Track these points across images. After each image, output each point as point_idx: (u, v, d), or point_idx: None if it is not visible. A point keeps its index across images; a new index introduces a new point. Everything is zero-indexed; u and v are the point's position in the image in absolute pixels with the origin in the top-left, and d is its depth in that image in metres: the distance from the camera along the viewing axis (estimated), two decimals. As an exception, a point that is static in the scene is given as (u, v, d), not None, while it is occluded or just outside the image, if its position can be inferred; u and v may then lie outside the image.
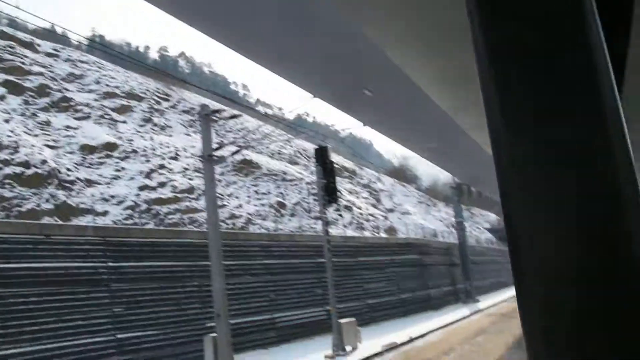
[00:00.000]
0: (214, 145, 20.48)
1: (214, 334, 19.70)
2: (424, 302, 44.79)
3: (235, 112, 30.37)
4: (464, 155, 20.42)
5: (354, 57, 10.22)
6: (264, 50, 10.77)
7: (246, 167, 55.54)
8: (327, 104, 16.39)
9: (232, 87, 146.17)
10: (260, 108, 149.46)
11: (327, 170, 25.11)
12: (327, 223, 25.25)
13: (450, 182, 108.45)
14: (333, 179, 25.12)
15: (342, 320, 25.48)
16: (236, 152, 23.23)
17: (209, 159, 19.91)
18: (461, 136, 15.66)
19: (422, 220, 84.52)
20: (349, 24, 9.57)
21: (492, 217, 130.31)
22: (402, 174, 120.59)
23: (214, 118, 20.49)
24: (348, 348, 25.07)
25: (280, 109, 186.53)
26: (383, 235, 57.50)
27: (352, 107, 14.66)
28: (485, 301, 50.75)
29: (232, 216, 45.42)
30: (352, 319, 26.65)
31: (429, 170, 73.31)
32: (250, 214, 46.67)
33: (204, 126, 20.24)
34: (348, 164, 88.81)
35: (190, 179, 47.33)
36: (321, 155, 25.19)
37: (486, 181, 28.87)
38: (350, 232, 51.46)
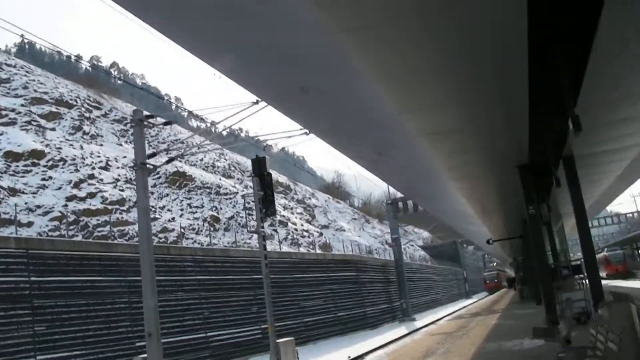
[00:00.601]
0: (148, 152, 19.05)
1: (144, 355, 18.24)
2: (361, 320, 43.93)
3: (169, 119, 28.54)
4: (405, 165, 19.58)
5: (295, 49, 9.21)
6: (199, 42, 9.60)
7: (179, 180, 53.88)
8: (267, 110, 15.33)
9: (165, 99, 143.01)
10: (192, 122, 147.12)
11: (264, 182, 23.93)
12: (264, 237, 24.05)
13: (383, 199, 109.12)
14: (271, 191, 23.96)
15: (280, 340, 24.24)
16: (171, 160, 21.77)
17: (141, 166, 18.51)
18: (406, 142, 14.93)
19: (357, 237, 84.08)
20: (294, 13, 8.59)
21: (426, 234, 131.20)
22: (335, 191, 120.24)
23: (148, 123, 19.09)
24: (286, 369, 23.86)
25: (213, 122, 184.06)
26: (319, 251, 56.45)
27: (295, 110, 13.61)
28: (422, 319, 50.18)
29: (165, 229, 43.70)
30: (290, 339, 25.39)
31: (362, 188, 72.82)
32: (183, 228, 44.95)
33: (136, 131, 18.83)
34: (282, 178, 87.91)
35: (121, 190, 45.40)
36: (259, 166, 23.99)
37: (424, 194, 28.11)
38: (285, 248, 50.30)
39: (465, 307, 64.45)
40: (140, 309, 18.85)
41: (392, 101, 11.16)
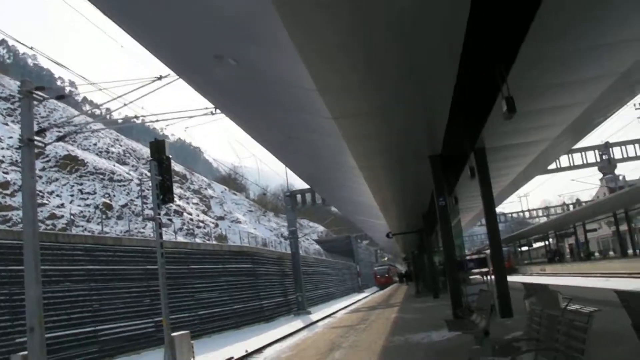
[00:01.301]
0: (36, 129, 17.51)
1: (25, 352, 16.74)
2: (257, 313, 43.12)
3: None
4: (314, 150, 18.92)
5: (215, 11, 8.29)
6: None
7: (71, 164, 51.22)
8: (170, 91, 14.34)
9: (59, 83, 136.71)
10: (87, 107, 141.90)
11: (163, 166, 22.68)
12: (161, 224, 22.79)
13: (279, 192, 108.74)
14: (169, 176, 22.73)
15: (175, 334, 23.05)
16: (62, 137, 20.28)
17: (28, 143, 17.00)
18: (318, 125, 14.26)
19: (253, 229, 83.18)
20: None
21: (320, 229, 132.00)
22: (232, 183, 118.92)
23: (37, 96, 17.52)
24: (181, 364, 22.71)
25: (108, 109, 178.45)
26: (214, 242, 55.16)
27: (206, 83, 12.62)
28: (318, 313, 50.02)
29: (53, 216, 41.32)
30: (185, 332, 24.22)
31: (259, 180, 72.12)
32: (73, 215, 42.66)
33: (24, 104, 17.29)
34: (179, 167, 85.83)
35: (5, 173, 42.57)
36: (157, 149, 22.69)
37: (329, 183, 27.62)
38: (180, 239, 48.78)
39: (359, 300, 64.74)
40: (22, 301, 17.37)
41: (311, 81, 10.38)
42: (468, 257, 21.27)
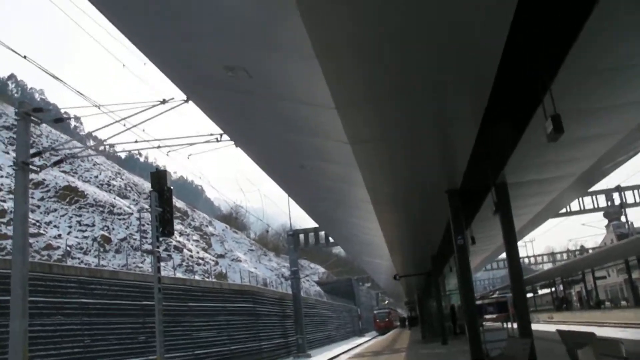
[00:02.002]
0: (32, 151, 16.49)
1: (7, 389, 15.42)
2: (255, 355, 41.55)
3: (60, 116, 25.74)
4: (326, 181, 17.78)
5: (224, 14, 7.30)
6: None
7: (70, 195, 50.07)
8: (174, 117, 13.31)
9: (65, 116, 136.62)
10: (91, 142, 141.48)
11: (163, 197, 21.61)
12: (159, 258, 21.59)
13: (280, 232, 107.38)
14: (170, 208, 21.67)
15: (170, 374, 21.72)
16: (60, 161, 19.27)
17: (23, 167, 15.96)
18: (335, 151, 13.22)
19: (253, 268, 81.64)
20: None
21: (321, 270, 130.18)
22: (233, 221, 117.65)
23: (34, 119, 16.51)
24: (174, 407, 21.31)
25: (111, 145, 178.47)
26: (214, 280, 53.74)
27: (217, 103, 11.62)
28: (318, 356, 48.39)
29: (49, 247, 40.07)
30: (181, 373, 22.93)
31: (262, 218, 70.78)
32: (70, 246, 41.39)
33: (20, 126, 16.31)
34: (180, 204, 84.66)
35: (2, 201, 41.43)
36: (158, 180, 21.67)
37: (337, 219, 26.43)
38: (179, 275, 47.42)
39: (360, 344, 62.93)
40: (6, 334, 16.14)
41: (329, 96, 9.32)
42: (487, 301, 20.00)
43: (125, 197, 64.41)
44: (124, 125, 18.01)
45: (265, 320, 46.29)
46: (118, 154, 68.43)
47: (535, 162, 15.47)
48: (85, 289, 27.01)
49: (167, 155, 23.19)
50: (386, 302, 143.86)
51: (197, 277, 49.04)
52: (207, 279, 49.68)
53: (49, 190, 48.08)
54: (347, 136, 11.35)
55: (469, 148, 13.16)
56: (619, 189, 47.49)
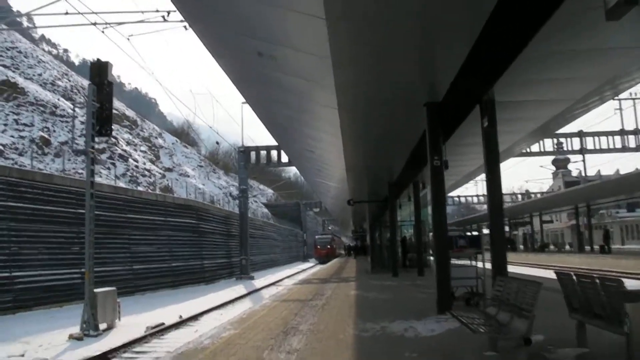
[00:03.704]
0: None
1: None
2: (197, 273, 39.93)
3: None
4: (288, 80, 15.60)
5: None
6: None
7: (8, 90, 46.59)
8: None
9: (16, 18, 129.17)
10: (44, 46, 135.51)
11: (103, 92, 19.35)
12: (93, 160, 19.35)
13: (231, 151, 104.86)
14: (109, 104, 19.46)
15: (99, 290, 19.72)
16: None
17: None
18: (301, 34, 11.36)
19: (201, 184, 79.47)
20: None
21: (270, 192, 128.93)
22: (184, 136, 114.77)
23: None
24: (102, 326, 19.43)
25: (66, 50, 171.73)
26: (158, 192, 51.58)
27: None
28: (261, 279, 47.08)
29: (-22, 144, 37.14)
30: (111, 289, 20.94)
31: (212, 137, 68.35)
32: (3, 145, 38.43)
33: None
34: (130, 112, 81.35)
35: None
36: (98, 72, 19.35)
37: (296, 133, 24.40)
38: (122, 185, 45.01)
39: (305, 270, 62.19)
40: None
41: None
42: (458, 234, 18.38)
43: (70, 99, 60.78)
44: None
45: (209, 239, 44.57)
46: (39, 28, 64.36)
47: (531, 79, 13.68)
48: (14, 191, 24.61)
49: (103, 32, 20.43)
50: (330, 227, 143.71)
51: (140, 189, 46.80)
52: (151, 191, 47.49)
53: (-18, 84, 44.78)
54: (326, 8, 9.17)
55: (462, 55, 11.29)
56: (580, 134, 46.36)
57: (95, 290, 19.43)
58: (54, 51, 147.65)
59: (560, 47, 11.74)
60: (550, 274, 31.48)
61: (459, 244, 16.41)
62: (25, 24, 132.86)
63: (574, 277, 8.71)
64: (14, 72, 51.32)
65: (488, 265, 14.38)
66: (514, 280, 8.97)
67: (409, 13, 9.62)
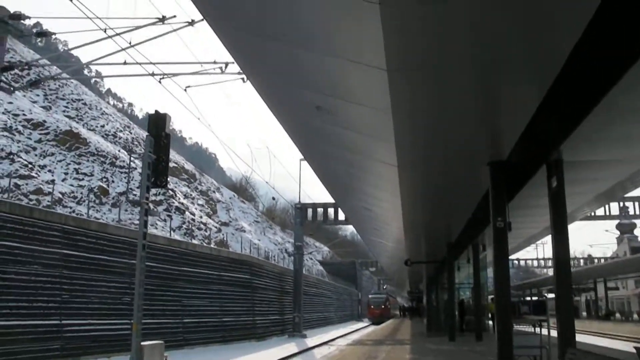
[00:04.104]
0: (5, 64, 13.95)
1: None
2: (248, 330, 39.24)
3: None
4: (346, 139, 15.11)
5: None
6: None
7: (71, 141, 47.56)
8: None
9: (86, 72, 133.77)
10: (110, 100, 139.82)
11: (160, 144, 19.16)
12: (147, 211, 19.09)
13: (288, 208, 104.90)
14: (166, 156, 19.27)
15: (145, 343, 19.22)
16: (36, 82, 16.63)
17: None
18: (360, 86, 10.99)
19: (257, 240, 79.29)
20: None
21: (325, 250, 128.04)
22: (242, 191, 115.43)
23: (11, 28, 13.94)
24: (149, 380, 18.82)
25: (130, 104, 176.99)
26: (213, 246, 51.40)
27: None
28: (314, 337, 45.97)
29: (39, 191, 37.68)
30: (159, 342, 20.40)
31: (270, 193, 68.30)
32: (62, 194, 38.96)
33: (-6, 34, 13.74)
34: (189, 166, 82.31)
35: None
36: (156, 124, 19.21)
37: (354, 192, 23.90)
38: (177, 237, 45.02)
39: (359, 329, 60.71)
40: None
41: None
42: (520, 299, 17.35)
43: (131, 151, 61.85)
44: (114, 41, 15.42)
45: (262, 294, 43.96)
46: (104, 78, 66.28)
47: (602, 137, 12.83)
48: (69, 239, 24.63)
49: (159, 82, 20.42)
50: (385, 287, 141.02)
51: (195, 242, 46.74)
52: (205, 245, 47.38)
53: (48, 133, 45.66)
54: (387, 59, 8.66)
55: (529, 112, 10.63)
56: (642, 198, 44.42)
57: (142, 343, 18.95)
58: (119, 104, 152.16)
59: (636, 102, 10.96)
60: (622, 345, 29.96)
61: (522, 311, 15.41)
62: (94, 79, 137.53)
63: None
64: (77, 122, 52.53)
65: (552, 333, 13.34)
66: (589, 355, 8.06)
67: (471, 66, 9.12)
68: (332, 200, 42.48)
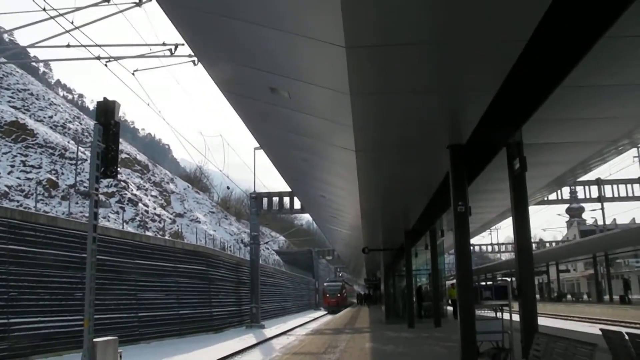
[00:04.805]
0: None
1: None
2: (205, 322, 38.70)
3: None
4: (305, 119, 14.69)
5: None
6: None
7: (17, 132, 46.05)
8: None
9: (33, 64, 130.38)
10: (59, 91, 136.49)
11: (109, 132, 18.36)
12: (97, 203, 18.38)
13: (244, 197, 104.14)
14: (116, 145, 18.45)
15: (99, 339, 18.53)
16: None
17: None
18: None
19: (212, 230, 78.48)
20: None
21: (281, 239, 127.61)
22: (196, 182, 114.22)
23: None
24: (101, 379, 18.14)
25: (81, 95, 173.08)
26: (167, 238, 50.56)
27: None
28: (272, 328, 45.67)
29: (-17, 186, 36.36)
30: (113, 338, 19.65)
31: (225, 183, 67.58)
32: (8, 187, 37.66)
33: None
34: (141, 157, 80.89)
35: None
36: (105, 112, 18.39)
37: (309, 179, 23.49)
38: (130, 229, 44.09)
39: (317, 319, 60.56)
40: None
41: None
42: (483, 283, 17.16)
43: (81, 142, 60.36)
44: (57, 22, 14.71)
45: (218, 286, 43.42)
46: (47, 62, 64.59)
47: (562, 119, 12.74)
48: (16, 234, 23.78)
49: (106, 65, 19.59)
50: (341, 274, 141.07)
51: (149, 234, 45.84)
52: (159, 236, 46.52)
53: (-9, 124, 44.29)
54: (345, 35, 8.26)
55: (489, 95, 10.38)
56: (598, 181, 45.21)
57: (95, 339, 18.27)
58: (69, 96, 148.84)
59: (597, 82, 10.81)
60: (576, 326, 30.31)
61: (484, 295, 15.21)
62: (42, 69, 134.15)
63: (626, 336, 7.56)
64: (24, 113, 50.97)
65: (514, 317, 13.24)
66: (560, 339, 7.81)
67: (429, 48, 8.87)
68: (287, 189, 42.03)
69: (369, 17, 7.96)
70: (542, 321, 14.12)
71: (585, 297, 71.18)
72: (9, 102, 54.46)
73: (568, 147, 15.79)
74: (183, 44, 16.79)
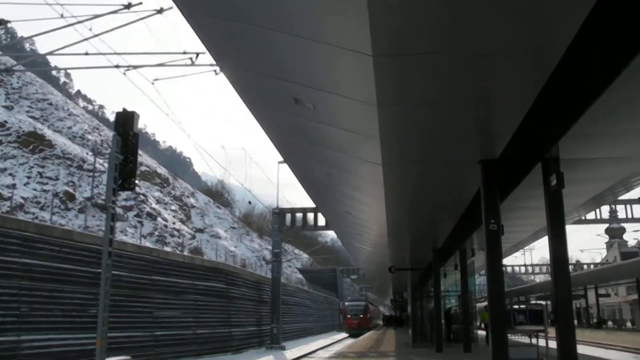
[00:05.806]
0: None
1: None
2: (223, 342, 37.62)
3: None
4: (330, 136, 13.90)
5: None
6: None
7: (35, 142, 45.67)
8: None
9: (54, 72, 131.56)
10: (80, 101, 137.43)
11: (128, 143, 17.72)
12: (113, 216, 17.59)
13: (266, 213, 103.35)
14: (134, 157, 17.87)
15: (112, 359, 17.71)
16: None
17: None
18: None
19: (233, 247, 77.68)
20: None
21: (305, 257, 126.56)
22: (217, 196, 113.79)
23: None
24: (112, 402, 17.29)
25: (101, 106, 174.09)
26: (186, 254, 49.73)
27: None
28: (293, 349, 44.43)
29: (-2, 196, 35.75)
30: (127, 358, 18.89)
31: (247, 198, 66.84)
32: (24, 199, 37.08)
33: None
34: (162, 170, 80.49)
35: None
36: (123, 123, 17.81)
37: (336, 195, 22.75)
38: (147, 244, 43.34)
39: (340, 340, 59.21)
40: None
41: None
42: (517, 307, 16.03)
43: (100, 153, 59.91)
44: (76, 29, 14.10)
45: (238, 304, 42.37)
46: (64, 70, 64.79)
47: (601, 134, 11.94)
48: (29, 247, 22.95)
49: (124, 74, 18.97)
50: (363, 294, 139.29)
51: (167, 249, 45.08)
52: (178, 252, 45.67)
53: (9, 135, 43.81)
54: (373, 43, 7.78)
55: (524, 107, 9.84)
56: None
57: (109, 359, 17.43)
58: (89, 106, 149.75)
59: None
60: (620, 356, 28.75)
61: (517, 320, 14.10)
62: (63, 79, 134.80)
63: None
64: (42, 123, 50.81)
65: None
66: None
67: (460, 58, 8.49)
68: (312, 205, 41.05)
69: (397, 24, 7.60)
70: (580, 349, 13.07)
71: (628, 324, 68.58)
72: (27, 111, 54.38)
73: (607, 163, 14.79)
74: (204, 53, 16.12)
